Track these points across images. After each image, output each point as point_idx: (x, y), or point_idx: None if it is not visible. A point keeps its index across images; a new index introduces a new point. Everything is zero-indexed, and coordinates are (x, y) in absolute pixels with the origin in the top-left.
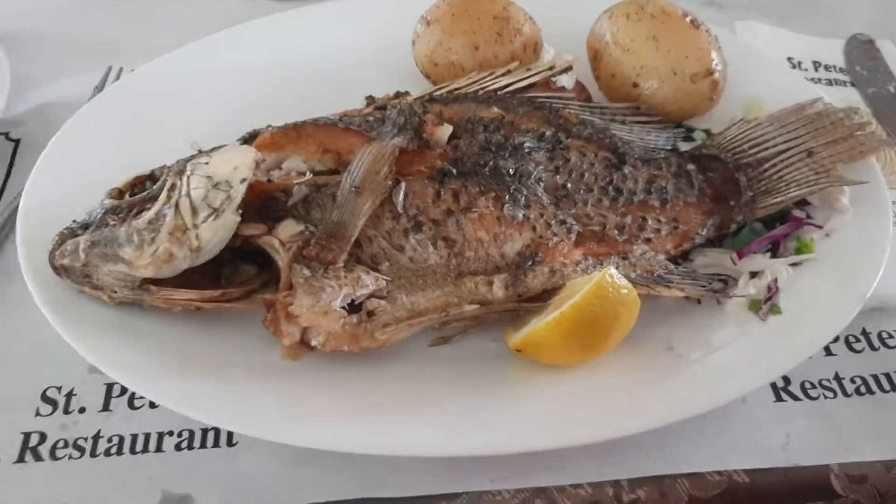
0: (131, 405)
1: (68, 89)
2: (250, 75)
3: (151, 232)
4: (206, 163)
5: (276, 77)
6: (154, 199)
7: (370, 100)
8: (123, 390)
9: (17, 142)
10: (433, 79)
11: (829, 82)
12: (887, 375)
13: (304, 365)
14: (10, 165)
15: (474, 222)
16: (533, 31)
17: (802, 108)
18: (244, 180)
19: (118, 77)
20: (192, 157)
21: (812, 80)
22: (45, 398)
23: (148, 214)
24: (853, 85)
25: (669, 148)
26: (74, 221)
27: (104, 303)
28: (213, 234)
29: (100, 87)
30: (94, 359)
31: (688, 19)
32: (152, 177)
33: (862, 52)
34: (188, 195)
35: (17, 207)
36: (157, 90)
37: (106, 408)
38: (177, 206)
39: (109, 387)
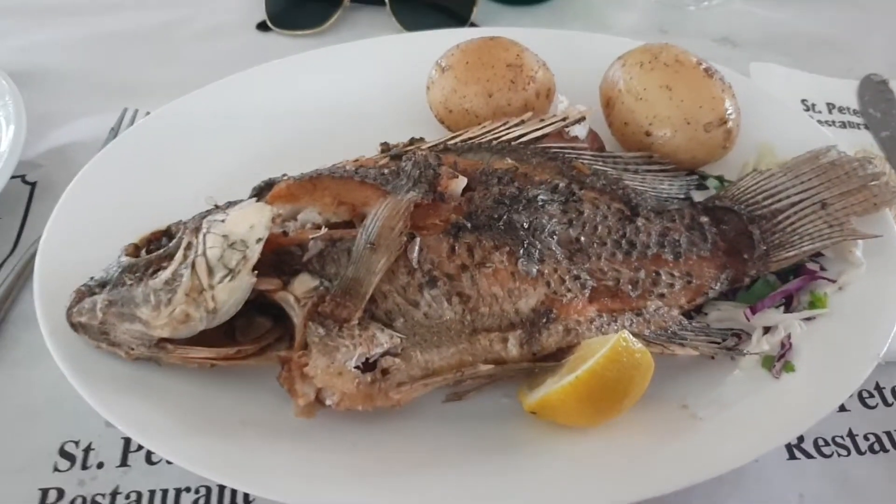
0: (149, 460)
1: (84, 130)
2: (265, 118)
3: (168, 292)
4: (223, 220)
5: (292, 119)
6: (170, 257)
7: (385, 147)
8: (141, 445)
9: (33, 185)
10: (447, 124)
11: (843, 125)
12: None
13: (318, 422)
14: (27, 209)
15: (489, 277)
16: (546, 78)
17: (816, 156)
18: (260, 240)
19: (133, 118)
20: (208, 212)
21: (826, 122)
22: (63, 453)
23: (165, 274)
24: (867, 127)
25: (682, 196)
26: (92, 279)
27: (121, 358)
28: (229, 296)
29: (115, 129)
30: (109, 415)
31: (702, 67)
32: (168, 233)
33: (875, 93)
34: (204, 255)
35: (34, 254)
36: (173, 134)
37: (124, 463)
38: (193, 265)
39: (127, 441)
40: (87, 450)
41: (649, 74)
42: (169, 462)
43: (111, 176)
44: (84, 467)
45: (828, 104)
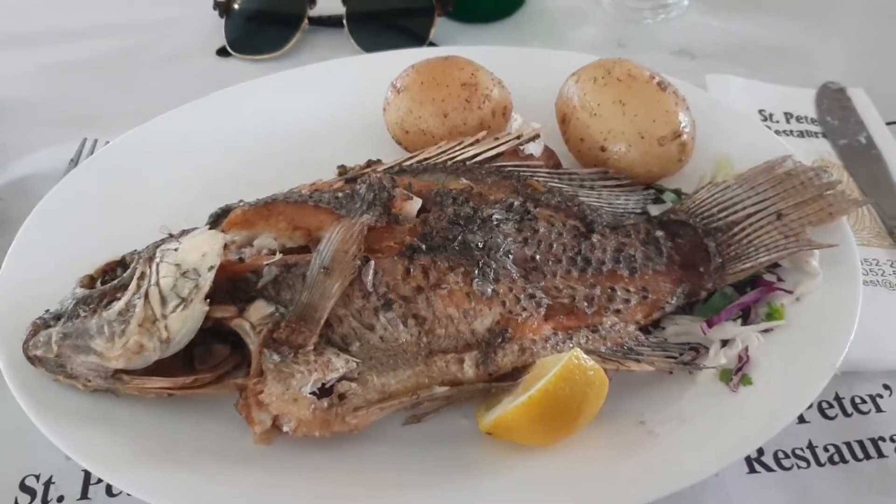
0: (109, 492)
1: (43, 161)
2: (224, 144)
3: (122, 323)
4: (175, 249)
5: (251, 144)
6: (124, 287)
7: (342, 169)
8: (101, 478)
9: None
10: (405, 145)
11: (801, 134)
12: (860, 443)
13: (277, 448)
14: None
15: (444, 298)
16: (502, 96)
17: (772, 167)
18: (212, 268)
19: (93, 148)
20: (162, 241)
21: (784, 132)
22: (23, 487)
23: (118, 305)
24: (825, 136)
25: (639, 211)
26: (47, 311)
27: (78, 390)
28: (182, 325)
29: (75, 161)
30: (68, 449)
31: (655, 81)
32: (123, 263)
33: (833, 101)
34: (157, 284)
35: None
36: (132, 163)
37: (84, 496)
38: (146, 295)
39: (88, 475)
40: (48, 483)
41: (602, 90)
42: (129, 494)
43: (70, 207)
44: (45, 501)
45: (785, 113)
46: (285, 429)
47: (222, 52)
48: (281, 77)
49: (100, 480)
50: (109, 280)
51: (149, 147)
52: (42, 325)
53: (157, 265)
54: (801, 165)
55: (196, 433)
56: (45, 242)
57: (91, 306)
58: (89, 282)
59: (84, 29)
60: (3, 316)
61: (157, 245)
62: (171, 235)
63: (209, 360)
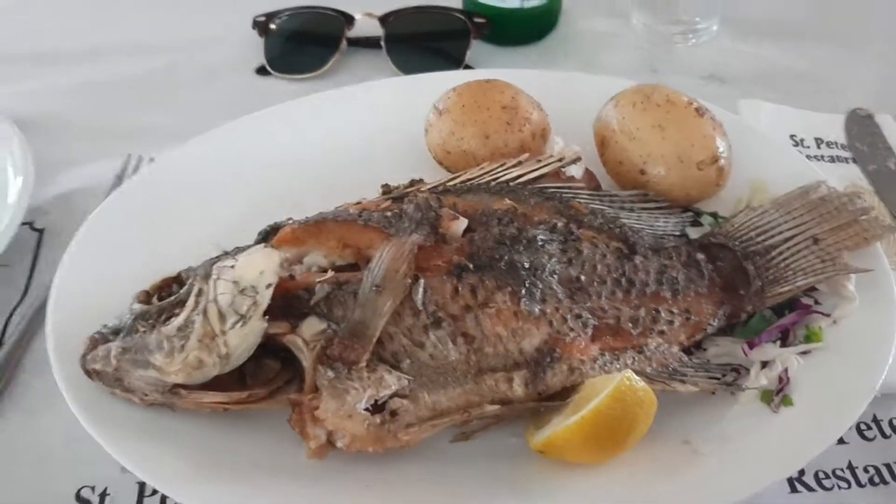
0: None
1: (89, 176)
2: (268, 162)
3: (181, 339)
4: (232, 266)
5: (294, 163)
6: (182, 303)
7: (386, 188)
8: (156, 490)
9: (41, 231)
10: (446, 165)
11: (832, 159)
12: None
13: (329, 463)
14: (35, 256)
15: (492, 318)
16: (541, 118)
17: (806, 192)
18: (270, 285)
19: (137, 164)
20: (217, 258)
21: (815, 157)
22: (79, 498)
23: (177, 321)
24: (854, 161)
25: (678, 233)
26: (105, 326)
27: (135, 404)
28: (242, 341)
29: (120, 176)
30: (124, 460)
31: (693, 107)
32: (179, 279)
33: (862, 127)
34: (216, 301)
35: (44, 301)
36: (178, 180)
37: None
38: (205, 312)
39: (142, 486)
40: (103, 494)
41: (642, 115)
42: None
43: (119, 222)
44: None
45: (816, 139)
46: (339, 444)
47: (261, 71)
48: (324, 97)
49: (154, 493)
50: (166, 296)
51: (194, 164)
52: (101, 339)
53: (215, 282)
54: (834, 191)
55: (249, 448)
56: (95, 256)
57: (150, 322)
58: (146, 297)
59: (125, 47)
60: (58, 330)
61: (212, 262)
62: (226, 253)
63: (260, 375)
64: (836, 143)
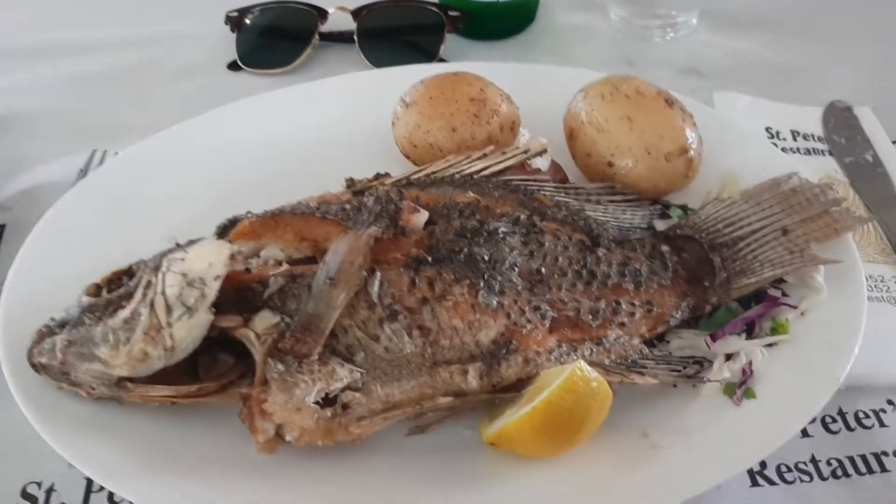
0: (111, 500)
1: (54, 172)
2: (233, 156)
3: (126, 331)
4: (182, 259)
5: (260, 157)
6: (130, 296)
7: (350, 182)
8: (103, 486)
9: (2, 227)
10: (413, 159)
11: (808, 151)
12: (863, 457)
13: (280, 458)
14: None
15: (449, 310)
16: (510, 111)
17: (777, 183)
18: (218, 277)
19: (102, 159)
20: (169, 250)
21: (790, 149)
22: (24, 495)
23: (123, 313)
24: (831, 154)
25: (645, 226)
26: (53, 319)
27: (82, 398)
28: (187, 333)
29: (84, 171)
30: (70, 457)
31: (662, 98)
32: (130, 272)
33: (840, 119)
34: (163, 293)
35: None
36: (141, 174)
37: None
38: (152, 304)
39: (89, 482)
40: (50, 490)
41: (610, 106)
42: (131, 502)
43: (78, 217)
44: None
45: (792, 131)
46: (288, 438)
47: (233, 67)
48: (291, 91)
49: (101, 488)
50: (116, 289)
51: (158, 158)
52: (47, 332)
53: (164, 274)
54: (806, 182)
55: (199, 442)
56: (52, 251)
57: (96, 314)
58: (95, 290)
59: (95, 43)
60: (9, 324)
61: (163, 254)
62: (178, 245)
63: (214, 370)
64: (812, 136)
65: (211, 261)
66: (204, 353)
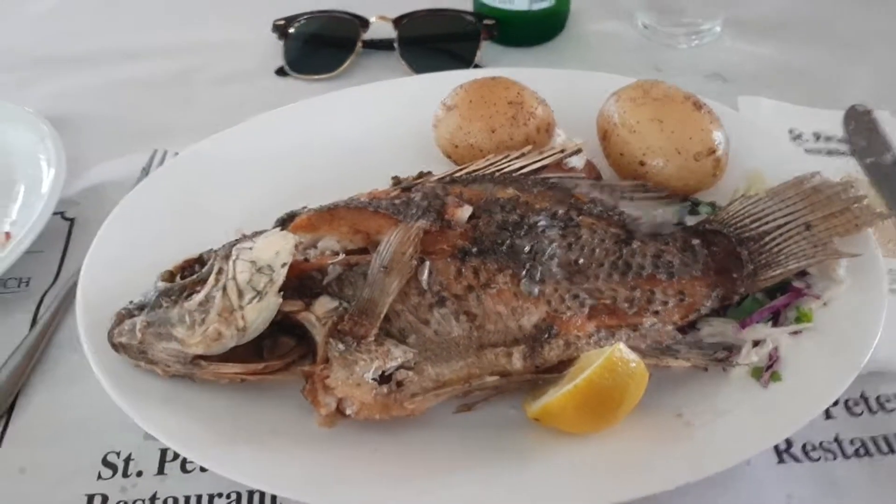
0: (184, 469)
1: (117, 170)
2: (286, 156)
3: (202, 313)
4: (250, 248)
5: (311, 157)
6: (203, 281)
7: (396, 180)
8: (176, 455)
9: (72, 221)
10: (454, 159)
11: (830, 153)
12: (885, 438)
13: (339, 431)
14: (67, 243)
15: (493, 297)
16: (545, 114)
17: (801, 182)
18: (285, 264)
19: (163, 159)
20: (237, 241)
21: (813, 150)
22: (105, 463)
23: (198, 297)
24: (852, 155)
25: (676, 222)
26: (131, 302)
27: (158, 375)
28: (258, 315)
29: (146, 169)
30: (148, 427)
31: (690, 101)
32: (200, 260)
33: (860, 122)
34: (234, 278)
35: (75, 283)
36: (201, 172)
37: (161, 471)
38: (224, 288)
39: (163, 452)
40: (128, 459)
41: (641, 108)
42: (203, 469)
43: (144, 211)
44: (125, 475)
45: (814, 133)
46: (348, 412)
47: (280, 72)
48: (340, 95)
49: (175, 458)
50: (188, 275)
51: (216, 158)
52: (126, 314)
53: (234, 262)
54: (828, 181)
55: (265, 416)
56: (121, 242)
57: (173, 298)
58: (169, 276)
59: (151, 49)
60: (87, 308)
61: (232, 244)
62: (244, 236)
63: (277, 352)
64: (833, 138)
65: (278, 249)
66: (267, 336)
